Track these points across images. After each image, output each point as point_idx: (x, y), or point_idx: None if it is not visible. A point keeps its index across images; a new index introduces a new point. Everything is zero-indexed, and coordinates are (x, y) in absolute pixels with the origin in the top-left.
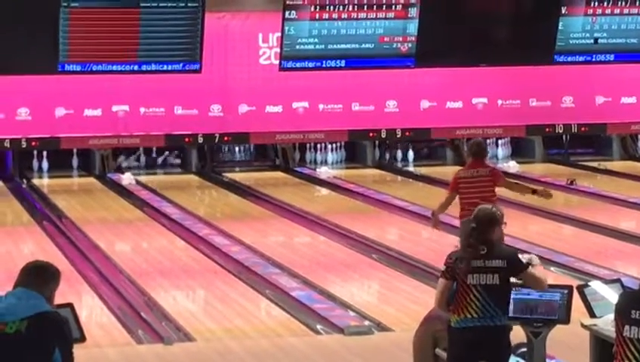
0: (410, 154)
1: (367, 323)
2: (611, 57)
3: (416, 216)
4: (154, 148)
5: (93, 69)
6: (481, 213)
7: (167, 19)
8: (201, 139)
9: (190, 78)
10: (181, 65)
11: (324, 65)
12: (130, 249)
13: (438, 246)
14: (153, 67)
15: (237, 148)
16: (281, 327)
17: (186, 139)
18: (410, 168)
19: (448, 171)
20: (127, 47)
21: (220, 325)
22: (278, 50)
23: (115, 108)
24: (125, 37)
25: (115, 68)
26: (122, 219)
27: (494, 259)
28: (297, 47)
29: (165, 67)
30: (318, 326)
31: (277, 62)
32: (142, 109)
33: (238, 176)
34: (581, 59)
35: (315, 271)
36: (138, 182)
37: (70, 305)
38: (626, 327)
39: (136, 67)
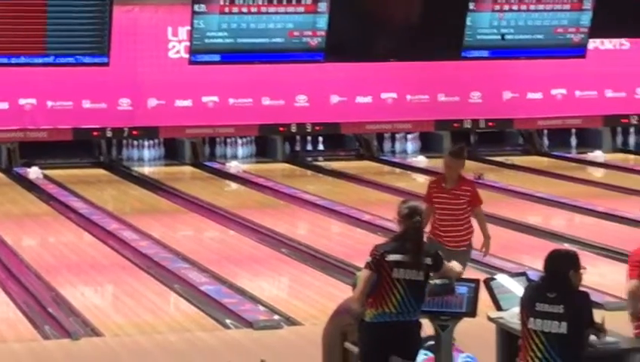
0: (321, 147)
1: (276, 317)
2: (518, 53)
3: (326, 210)
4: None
5: (0, 61)
6: (418, 205)
7: (74, 12)
8: (109, 133)
9: (98, 72)
10: (89, 58)
11: (233, 60)
12: (37, 244)
13: (348, 240)
14: (61, 60)
15: (146, 143)
16: (191, 322)
17: (94, 133)
18: (320, 162)
19: (358, 166)
20: (34, 40)
21: (129, 320)
22: (188, 43)
23: (22, 101)
24: (32, 29)
25: (22, 60)
26: (29, 214)
27: (421, 257)
28: (207, 40)
29: (73, 60)
30: (228, 321)
31: (186, 56)
32: (49, 103)
33: (147, 170)
34: (488, 54)
35: (224, 265)
36: (45, 176)
37: None
38: (531, 320)
39: (43, 60)
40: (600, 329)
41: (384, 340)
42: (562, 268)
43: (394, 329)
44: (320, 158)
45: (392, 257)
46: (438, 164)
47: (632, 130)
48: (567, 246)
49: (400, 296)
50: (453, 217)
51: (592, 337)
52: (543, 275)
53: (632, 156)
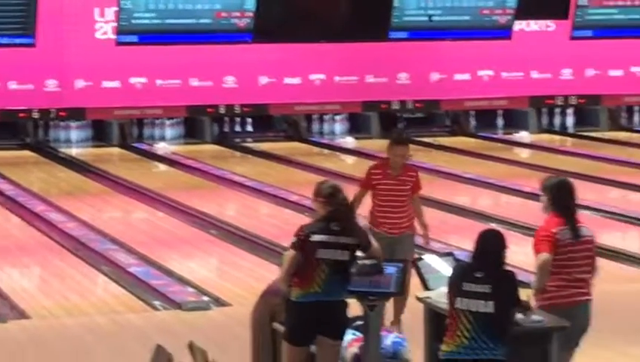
0: (249, 129)
1: (205, 298)
2: (445, 35)
3: (254, 191)
4: None
5: None
6: (337, 185)
7: None
8: (36, 115)
9: (25, 53)
10: (15, 39)
11: (161, 41)
12: None
13: (277, 221)
14: None
15: (73, 125)
16: (119, 303)
17: (21, 115)
18: (249, 144)
19: (287, 147)
20: None
21: (56, 302)
22: (115, 24)
23: None
24: None
25: None
26: None
27: (348, 237)
28: (134, 21)
29: None
30: (156, 302)
31: (114, 37)
32: None
33: (75, 151)
34: (416, 36)
35: (152, 247)
36: None
37: None
38: (458, 299)
39: None
40: (526, 308)
41: (310, 319)
42: (492, 247)
43: (319, 308)
44: (248, 140)
45: (316, 237)
46: (366, 145)
47: (557, 110)
48: (494, 226)
49: (325, 276)
50: (398, 203)
51: (519, 315)
52: (473, 255)
53: (557, 137)
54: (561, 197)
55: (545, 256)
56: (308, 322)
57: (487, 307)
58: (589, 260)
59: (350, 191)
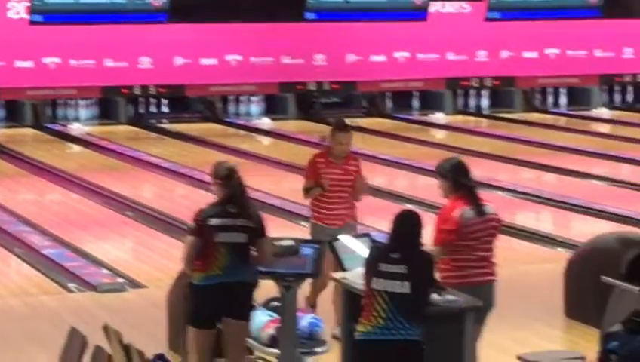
0: (165, 110)
1: (120, 280)
2: (361, 16)
3: (170, 172)
4: None
5: None
6: (231, 166)
7: None
8: None
9: None
10: None
11: (75, 20)
12: None
13: (193, 203)
14: None
15: None
16: (32, 286)
17: None
18: (165, 125)
19: (203, 128)
20: None
21: None
22: (28, 3)
23: None
24: None
25: None
26: None
27: (244, 219)
28: (47, 1)
29: None
30: (71, 284)
31: (27, 16)
32: None
33: None
34: (332, 17)
35: (67, 228)
36: None
37: None
38: (374, 279)
39: None
40: (441, 288)
41: (212, 302)
42: (408, 228)
43: (221, 290)
44: (164, 121)
45: (214, 221)
46: (282, 126)
47: (472, 92)
48: (410, 207)
49: (225, 259)
50: (342, 193)
51: (434, 296)
52: (390, 236)
53: (472, 118)
54: (460, 178)
55: (437, 249)
56: (210, 305)
57: (403, 287)
58: (493, 238)
59: (267, 173)
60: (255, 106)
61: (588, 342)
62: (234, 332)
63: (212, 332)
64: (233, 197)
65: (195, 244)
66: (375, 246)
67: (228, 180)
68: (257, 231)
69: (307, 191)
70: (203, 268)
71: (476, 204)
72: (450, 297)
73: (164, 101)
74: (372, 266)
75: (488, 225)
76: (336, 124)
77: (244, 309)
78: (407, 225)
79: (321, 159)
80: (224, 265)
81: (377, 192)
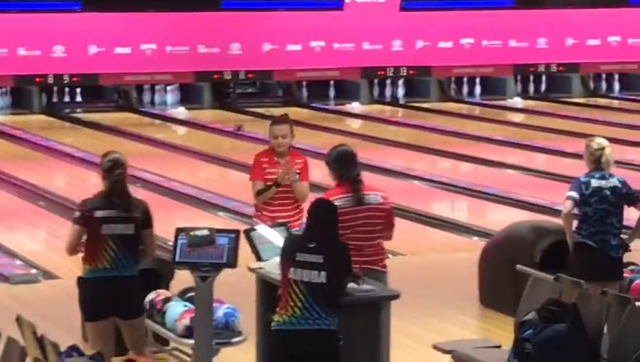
0: (79, 99)
1: (33, 271)
2: (277, 5)
3: (84, 162)
4: None
5: None
6: (117, 157)
7: None
8: None
9: None
10: None
11: None
12: None
13: None
14: None
15: None
16: None
17: None
18: (79, 114)
19: (117, 117)
20: None
21: None
22: None
23: None
24: None
25: None
26: None
27: (130, 211)
28: None
29: None
30: None
31: None
32: None
33: None
34: (248, 5)
35: None
36: None
37: None
38: (292, 270)
39: None
40: (357, 277)
41: (100, 296)
42: (324, 217)
43: (109, 284)
44: (78, 110)
45: (100, 213)
46: (198, 115)
47: (388, 82)
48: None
49: (113, 252)
50: (285, 195)
51: (351, 285)
52: (307, 224)
53: (388, 107)
54: (343, 166)
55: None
56: (99, 298)
57: (320, 277)
58: (372, 228)
59: (182, 162)
60: (170, 95)
61: (503, 331)
62: (129, 329)
63: (108, 322)
64: (115, 189)
65: (79, 234)
66: (292, 236)
67: (109, 173)
68: (143, 222)
69: (259, 193)
70: (90, 261)
71: (356, 192)
72: (366, 287)
73: (78, 90)
74: (289, 256)
75: (365, 214)
76: (272, 118)
77: (135, 306)
78: (321, 214)
79: (264, 158)
80: (112, 259)
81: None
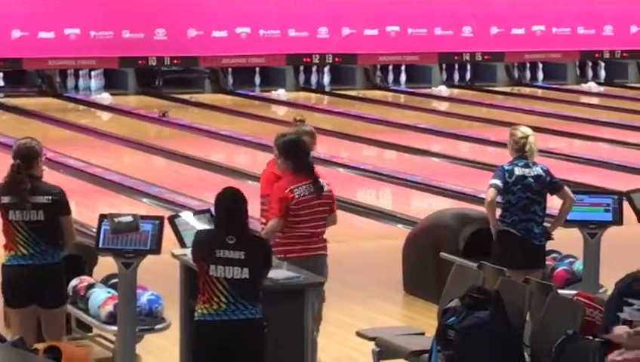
0: (1, 83)
1: None
2: None
3: (6, 147)
4: None
5: None
6: (22, 146)
7: None
8: None
9: None
10: None
11: None
12: None
13: None
14: None
15: None
16: None
17: None
18: (1, 99)
19: (41, 102)
20: None
21: None
22: None
23: None
24: None
25: None
26: None
27: (40, 195)
28: None
29: None
30: None
31: None
32: None
33: None
34: None
35: None
36: None
37: None
38: (212, 267)
39: None
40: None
41: (19, 283)
42: (234, 205)
43: (28, 272)
44: (1, 95)
45: (5, 199)
46: (122, 101)
47: (313, 69)
48: (250, 183)
49: (24, 238)
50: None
51: (275, 272)
52: (217, 216)
53: (313, 95)
54: (297, 154)
55: (273, 222)
56: (17, 285)
57: (243, 273)
58: (325, 215)
59: (106, 148)
60: (95, 81)
61: (426, 318)
62: (47, 319)
63: (29, 310)
64: (13, 177)
65: None
66: (205, 230)
67: (13, 159)
68: (57, 209)
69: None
70: (9, 248)
71: (313, 180)
72: (290, 274)
73: (1, 75)
74: (208, 253)
75: (322, 201)
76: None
77: (55, 294)
78: (233, 204)
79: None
80: (26, 245)
81: (217, 168)
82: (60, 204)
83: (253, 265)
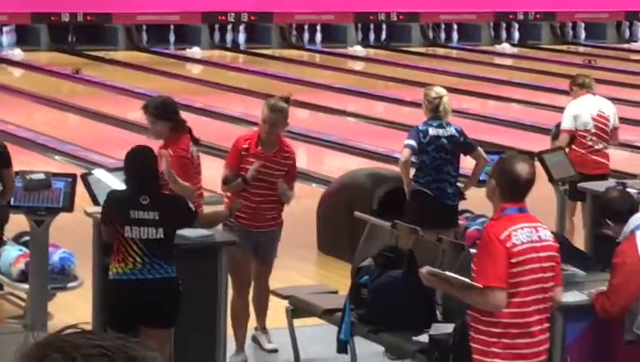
0: None
1: None
2: None
3: None
4: None
5: None
6: None
7: None
8: None
9: None
10: None
11: None
12: None
13: None
14: None
15: None
16: None
17: None
18: None
19: None
20: None
21: None
22: None
23: None
24: None
25: None
26: None
27: None
28: None
29: None
30: None
31: None
32: None
33: None
34: None
35: None
36: None
37: None
38: (127, 228)
39: None
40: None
41: None
42: (144, 163)
43: None
44: None
45: None
46: (34, 57)
47: (229, 27)
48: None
49: None
50: (268, 191)
51: (188, 231)
52: (128, 175)
53: (229, 53)
54: (172, 113)
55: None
56: None
57: (158, 233)
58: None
59: (18, 105)
60: (6, 37)
61: (340, 277)
62: None
63: None
64: None
65: None
66: (116, 191)
67: None
68: None
69: (226, 182)
70: None
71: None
72: (205, 232)
73: None
74: (122, 214)
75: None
76: (270, 101)
77: None
78: (144, 163)
79: (245, 144)
80: None
81: (132, 126)
82: (2, 156)
83: (168, 225)
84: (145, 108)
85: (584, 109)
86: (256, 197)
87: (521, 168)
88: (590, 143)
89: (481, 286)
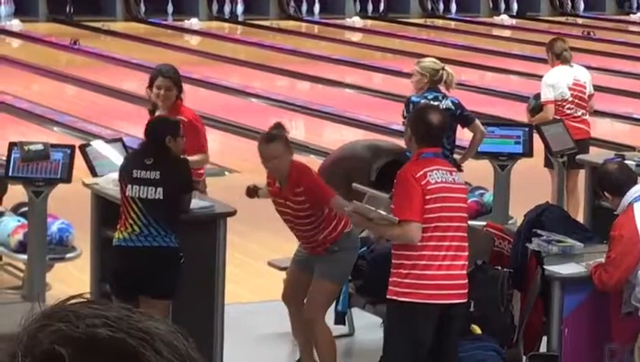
0: None
1: None
2: None
3: None
4: None
5: None
6: None
7: None
8: None
9: None
10: None
11: None
12: None
13: None
14: None
15: None
16: None
17: None
18: None
19: None
20: None
21: None
22: None
23: None
24: None
25: None
26: None
27: None
28: None
29: None
30: None
31: None
32: None
33: None
34: None
35: None
36: None
37: None
38: (129, 187)
39: None
40: (198, 190)
41: None
42: (160, 134)
43: None
44: None
45: None
46: (32, 28)
47: None
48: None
49: None
50: (299, 228)
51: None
52: (142, 141)
53: (227, 24)
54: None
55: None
56: None
57: (157, 193)
58: None
59: (16, 75)
60: (4, 7)
61: None
62: None
63: None
64: None
65: None
66: (130, 153)
67: None
68: None
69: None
70: None
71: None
72: (204, 203)
73: None
74: (126, 173)
75: None
76: (262, 135)
77: None
78: (162, 131)
79: (270, 180)
80: None
81: (129, 97)
82: None
83: (168, 186)
84: (160, 74)
85: (560, 79)
86: (295, 233)
87: (434, 117)
88: (569, 112)
89: (397, 219)
